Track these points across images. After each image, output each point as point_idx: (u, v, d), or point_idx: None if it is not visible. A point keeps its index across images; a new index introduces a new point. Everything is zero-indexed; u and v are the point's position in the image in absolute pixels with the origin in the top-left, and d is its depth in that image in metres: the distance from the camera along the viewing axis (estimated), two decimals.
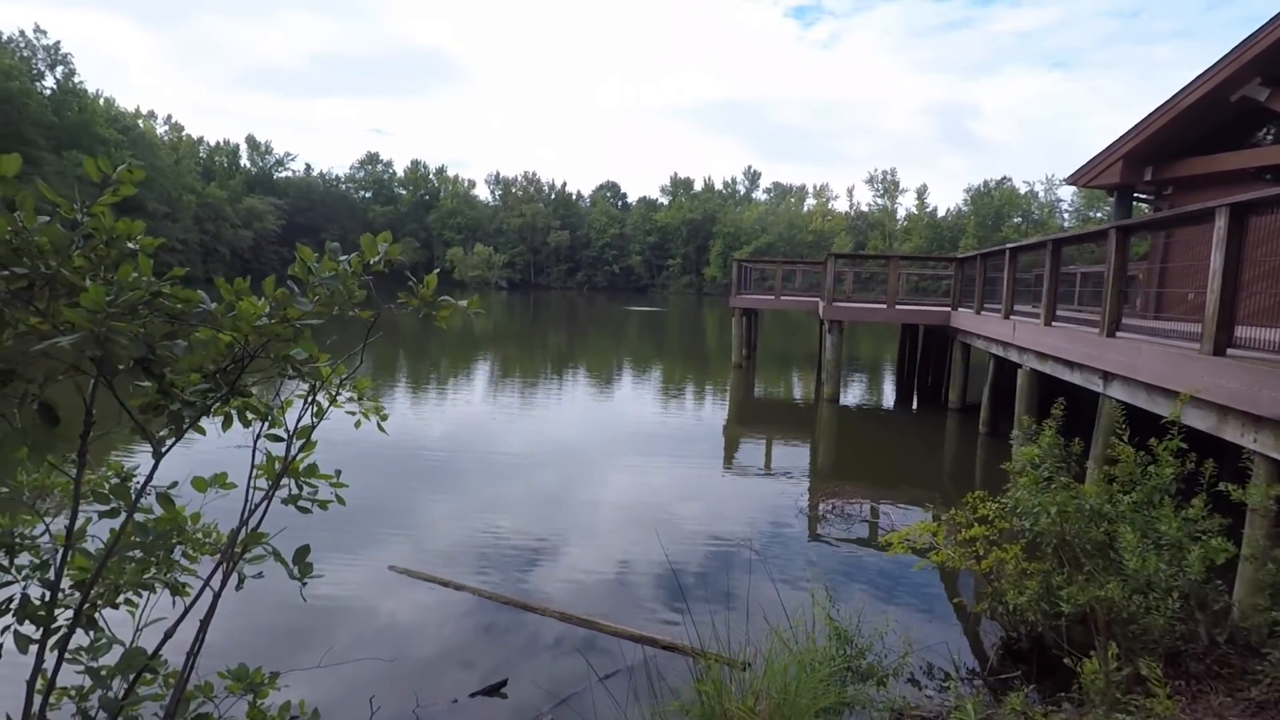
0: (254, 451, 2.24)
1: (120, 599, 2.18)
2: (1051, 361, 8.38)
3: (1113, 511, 3.72)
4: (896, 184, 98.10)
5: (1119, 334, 6.57)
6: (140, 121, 73.52)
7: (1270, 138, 11.77)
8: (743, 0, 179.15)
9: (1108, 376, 6.60)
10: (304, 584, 2.10)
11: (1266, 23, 9.68)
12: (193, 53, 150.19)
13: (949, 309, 14.93)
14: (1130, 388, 6.09)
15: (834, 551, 6.70)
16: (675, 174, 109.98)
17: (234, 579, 2.19)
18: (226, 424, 2.12)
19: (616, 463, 10.12)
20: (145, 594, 2.23)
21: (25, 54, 55.02)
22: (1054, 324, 8.48)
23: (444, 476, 9.12)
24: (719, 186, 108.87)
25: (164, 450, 1.91)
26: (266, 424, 2.23)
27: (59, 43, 57.84)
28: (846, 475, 10.13)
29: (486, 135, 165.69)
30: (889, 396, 17.84)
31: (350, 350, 2.41)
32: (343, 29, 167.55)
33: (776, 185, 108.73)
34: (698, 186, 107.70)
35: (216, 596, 2.10)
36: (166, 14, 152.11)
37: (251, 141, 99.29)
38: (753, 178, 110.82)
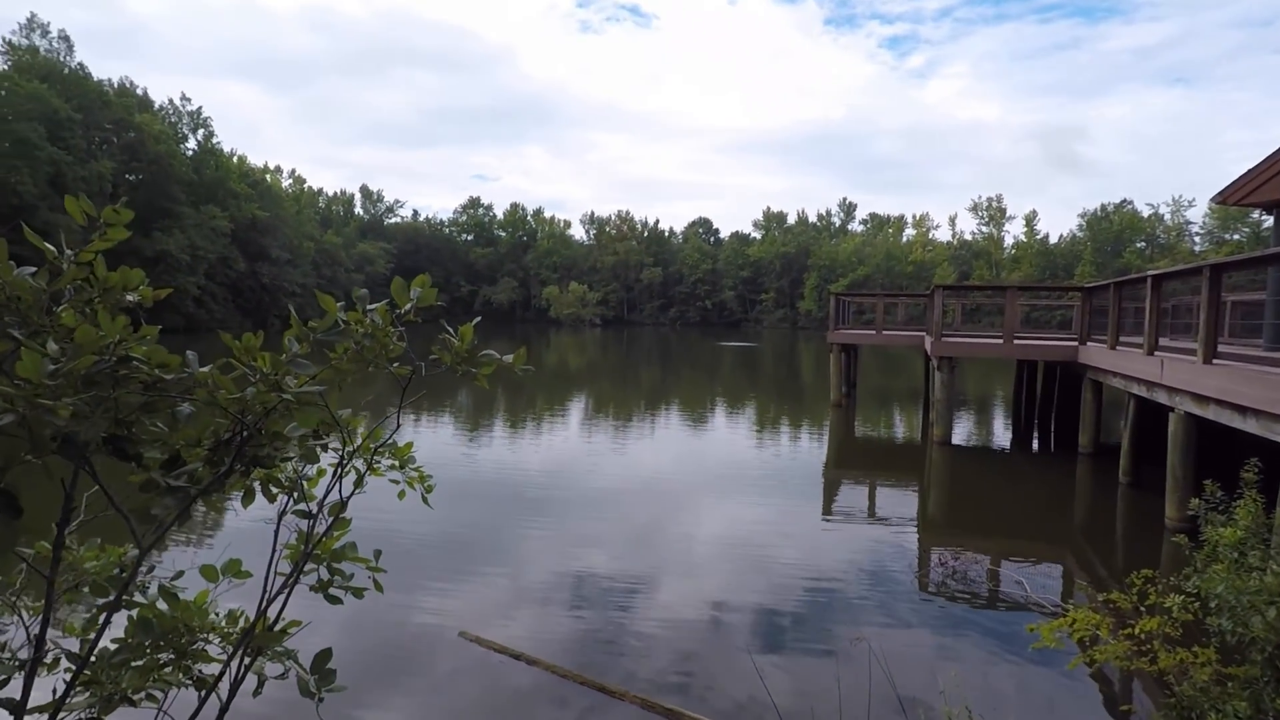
0: (276, 530, 1.91)
1: (139, 695, 1.88)
2: (1214, 405, 7.24)
3: None
4: (1003, 211, 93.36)
5: None
6: (268, 176, 79.92)
7: None
8: (837, 34, 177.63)
9: None
10: (320, 700, 1.72)
11: None
12: (314, 111, 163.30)
13: (1075, 343, 13.58)
14: None
15: (955, 622, 5.88)
16: (768, 208, 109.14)
17: (252, 682, 1.86)
18: (247, 499, 1.80)
19: (709, 502, 9.58)
20: (167, 690, 1.93)
21: (173, 119, 61.02)
22: (1215, 362, 7.35)
23: (537, 511, 9.03)
24: (813, 219, 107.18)
25: (155, 536, 1.59)
26: (292, 499, 1.90)
27: (200, 108, 63.91)
28: (962, 525, 9.19)
29: (582, 176, 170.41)
30: (1005, 438, 16.39)
31: (390, 409, 2.08)
32: (447, 83, 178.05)
33: (873, 216, 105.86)
34: (791, 220, 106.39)
35: (223, 709, 1.76)
36: (292, 78, 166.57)
37: (365, 191, 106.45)
38: (848, 209, 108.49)
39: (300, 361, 1.44)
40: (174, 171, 53.43)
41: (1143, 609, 3.59)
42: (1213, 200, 12.35)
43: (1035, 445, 15.26)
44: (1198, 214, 79.65)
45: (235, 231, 58.43)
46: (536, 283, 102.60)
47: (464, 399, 19.32)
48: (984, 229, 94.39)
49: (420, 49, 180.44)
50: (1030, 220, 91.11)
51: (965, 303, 25.64)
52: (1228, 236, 72.79)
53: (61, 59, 52.84)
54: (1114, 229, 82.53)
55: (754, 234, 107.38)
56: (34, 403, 1.13)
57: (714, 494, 10.20)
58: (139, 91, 56.56)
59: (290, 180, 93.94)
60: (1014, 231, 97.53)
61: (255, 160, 79.33)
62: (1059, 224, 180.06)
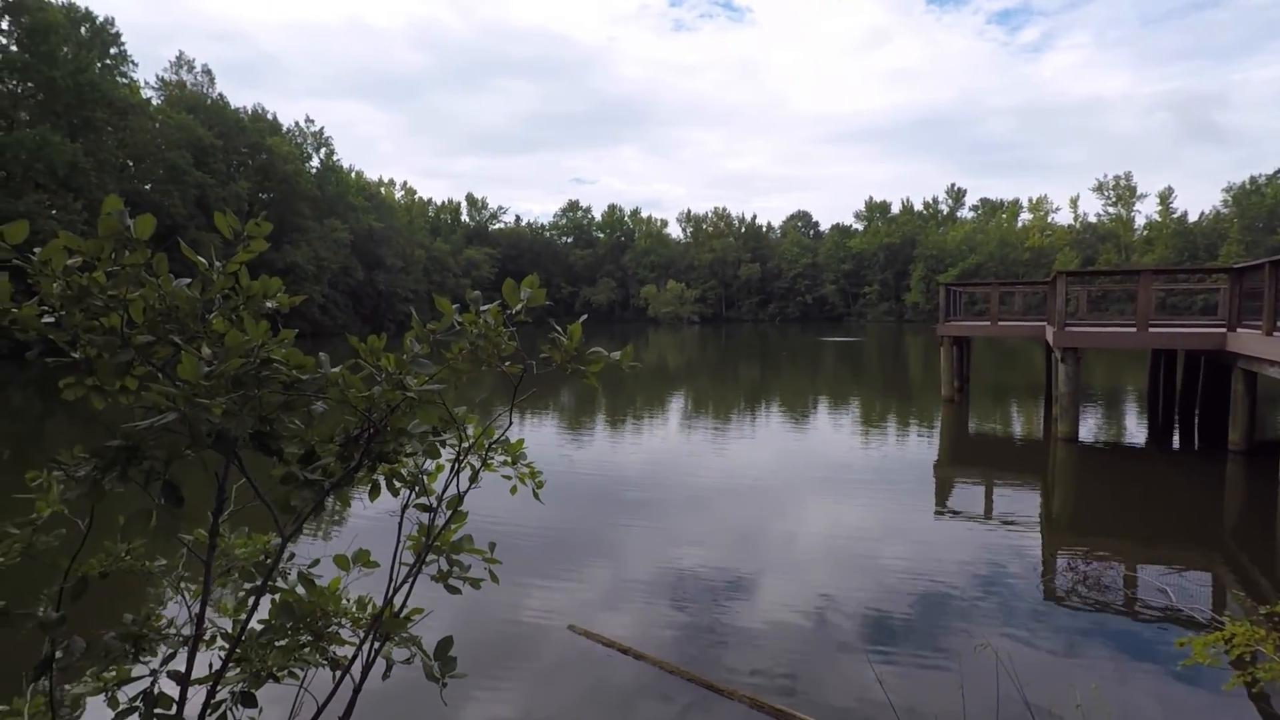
0: (400, 522, 2.02)
1: (282, 673, 2.04)
2: None
3: None
4: (1133, 189, 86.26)
5: None
6: (382, 189, 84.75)
7: None
8: (940, 13, 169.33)
9: None
10: (444, 685, 1.81)
11: None
12: (422, 125, 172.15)
13: (1223, 329, 12.35)
14: None
15: (1085, 631, 5.47)
16: (870, 198, 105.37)
17: (381, 665, 1.98)
18: (374, 493, 1.92)
19: (814, 499, 9.39)
20: (306, 669, 2.08)
21: (299, 140, 65.79)
22: None
23: (641, 508, 9.13)
24: (919, 207, 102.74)
25: (294, 526, 1.71)
26: (414, 493, 2.01)
27: (322, 128, 68.81)
28: (1092, 527, 8.56)
29: (677, 174, 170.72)
30: (1139, 434, 15.11)
31: (504, 407, 2.14)
32: (542, 90, 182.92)
33: (984, 201, 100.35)
34: (895, 209, 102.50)
35: (356, 690, 1.88)
36: (400, 94, 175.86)
37: (470, 199, 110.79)
38: (956, 195, 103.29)
39: (421, 361, 1.51)
40: (300, 188, 57.60)
41: None
42: None
43: (1176, 442, 13.99)
44: None
45: (354, 242, 62.31)
46: (634, 282, 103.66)
47: (566, 398, 19.77)
48: (1110, 210, 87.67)
49: (516, 58, 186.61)
50: (1165, 198, 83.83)
51: (1090, 290, 23.82)
52: None
53: (204, 91, 58.03)
54: (1267, 203, 74.48)
55: (856, 225, 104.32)
56: (192, 401, 1.25)
57: (818, 492, 9.97)
58: (270, 116, 61.29)
59: (402, 192, 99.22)
60: (1145, 211, 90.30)
61: (370, 174, 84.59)
62: (1198, 201, 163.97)
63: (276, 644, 1.86)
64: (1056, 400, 13.33)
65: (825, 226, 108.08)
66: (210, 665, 1.80)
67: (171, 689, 1.63)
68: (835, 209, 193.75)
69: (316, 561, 1.95)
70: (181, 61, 58.86)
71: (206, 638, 1.81)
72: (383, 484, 1.91)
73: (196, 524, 1.89)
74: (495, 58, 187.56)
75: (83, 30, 41.92)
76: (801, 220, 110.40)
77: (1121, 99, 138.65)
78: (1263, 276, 10.64)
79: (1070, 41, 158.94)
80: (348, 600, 2.06)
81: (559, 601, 5.99)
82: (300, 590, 1.88)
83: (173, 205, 45.47)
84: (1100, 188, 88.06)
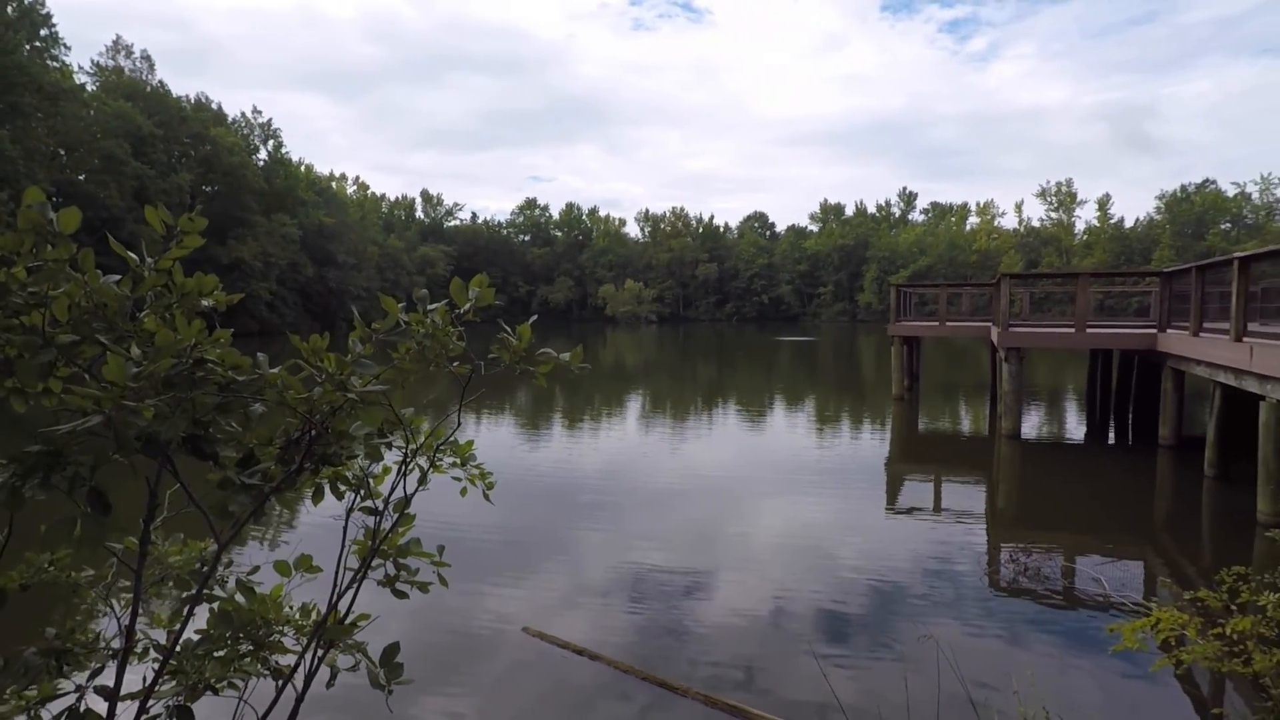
0: (345, 526, 1.98)
1: (221, 684, 1.97)
2: None
3: None
4: (1073, 195, 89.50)
5: None
6: (333, 183, 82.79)
7: None
8: (894, 21, 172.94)
9: None
10: (389, 692, 1.77)
11: None
12: (376, 119, 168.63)
13: (1154, 330, 12.91)
14: None
15: (1027, 621, 5.66)
16: (825, 200, 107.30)
17: (326, 673, 1.93)
18: (317, 497, 1.87)
19: (769, 497, 9.49)
20: (247, 679, 2.01)
21: (245, 132, 63.71)
22: None
23: (598, 508, 9.11)
24: (872, 210, 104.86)
25: (232, 532, 1.66)
26: (359, 496, 1.97)
27: (270, 120, 66.59)
28: (1034, 521, 8.88)
29: (635, 174, 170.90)
30: (1078, 430, 15.70)
31: (451, 409, 2.11)
32: (501, 86, 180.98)
33: (935, 205, 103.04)
34: (849, 211, 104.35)
35: (299, 700, 1.83)
36: (354, 87, 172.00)
37: (425, 195, 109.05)
38: (908, 199, 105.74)
39: (364, 362, 1.48)
40: (247, 182, 55.79)
41: (1234, 608, 3.39)
42: None
43: (1111, 438, 14.57)
44: None
45: (303, 238, 60.67)
46: (592, 281, 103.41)
47: (522, 398, 19.62)
48: (1053, 215, 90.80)
49: (474, 53, 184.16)
50: (1103, 204, 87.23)
51: (1033, 291, 24.69)
52: None
53: (144, 78, 55.80)
54: (1195, 210, 78.17)
55: (811, 227, 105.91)
56: (119, 404, 1.20)
57: (773, 490, 10.09)
58: (214, 106, 59.24)
59: (354, 187, 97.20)
60: (1085, 217, 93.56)
61: (321, 169, 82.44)
62: (1133, 207, 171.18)
63: (214, 655, 1.80)
64: (1001, 398, 13.76)
65: (781, 228, 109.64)
66: (144, 679, 1.74)
67: (100, 705, 1.56)
68: (791, 210, 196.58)
69: (257, 568, 1.89)
70: (119, 46, 56.50)
71: (138, 650, 1.74)
72: (326, 487, 1.87)
73: (129, 533, 1.82)
74: (452, 52, 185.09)
75: (9, 9, 39.81)
76: (758, 221, 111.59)
77: (1062, 109, 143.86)
78: (1189, 280, 11.15)
79: (1016, 52, 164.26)
80: (290, 607, 2.00)
81: (514, 604, 5.94)
82: (240, 598, 1.82)
83: (109, 197, 43.59)
84: (1043, 193, 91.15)
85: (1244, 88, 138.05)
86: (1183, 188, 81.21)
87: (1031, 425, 15.50)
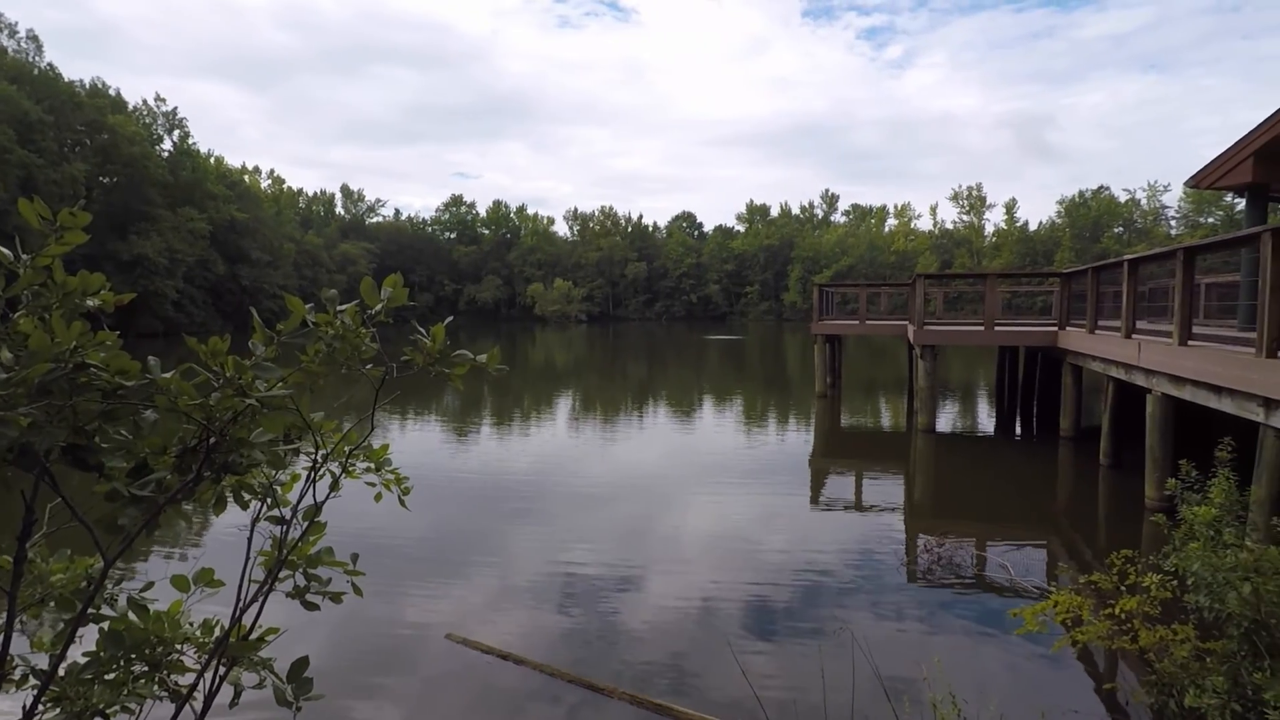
0: (250, 537, 1.88)
1: (112, 709, 1.84)
2: (1190, 386, 7.34)
3: None
4: (983, 199, 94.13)
5: None
6: (246, 177, 78.96)
7: None
8: (815, 26, 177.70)
9: (1271, 404, 5.64)
10: (297, 709, 1.70)
11: None
12: (292, 111, 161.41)
13: (1055, 328, 13.72)
14: None
15: (941, 607, 5.92)
16: (751, 201, 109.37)
17: (229, 692, 1.83)
18: (218, 507, 1.77)
19: (698, 494, 9.61)
20: (142, 703, 1.89)
21: (147, 120, 60.07)
22: (1190, 343, 7.45)
23: (526, 510, 9.01)
24: (796, 211, 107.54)
25: (122, 546, 1.56)
26: (265, 505, 1.88)
27: (175, 109, 62.99)
28: (948, 511, 9.29)
29: (564, 172, 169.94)
30: (988, 424, 16.55)
31: (365, 413, 2.04)
32: (424, 80, 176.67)
33: (856, 207, 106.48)
34: (774, 212, 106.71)
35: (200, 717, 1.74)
36: (267, 77, 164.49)
37: (345, 190, 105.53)
38: (830, 201, 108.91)
39: (265, 365, 1.41)
40: (149, 173, 52.64)
41: (1123, 589, 3.63)
42: (1186, 184, 12.48)
43: (1018, 430, 15.41)
44: (1173, 198, 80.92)
45: (214, 234, 57.74)
46: (521, 280, 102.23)
47: (450, 400, 19.23)
48: (965, 218, 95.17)
49: (397, 45, 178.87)
50: (1010, 208, 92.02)
51: (947, 291, 25.86)
52: (1203, 220, 73.78)
53: (31, 59, 51.84)
54: (1092, 215, 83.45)
55: (738, 227, 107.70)
56: None
57: (702, 487, 10.21)
58: (112, 92, 55.59)
59: (269, 181, 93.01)
60: (994, 219, 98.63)
61: (233, 161, 78.54)
62: (1038, 211, 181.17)
63: (104, 678, 1.68)
64: (917, 394, 14.34)
65: (709, 227, 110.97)
66: (23, 707, 1.61)
67: None
68: (718, 211, 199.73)
69: (150, 584, 1.78)
70: (0, 24, 52.33)
71: (15, 677, 1.61)
72: (229, 496, 1.78)
73: (5, 551, 1.68)
74: (373, 43, 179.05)
75: None
76: (686, 221, 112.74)
77: (971, 116, 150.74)
78: (1086, 281, 11.91)
79: (929, 61, 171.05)
80: (190, 624, 1.89)
81: (439, 611, 5.81)
82: (132, 617, 1.71)
83: None
84: (956, 197, 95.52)
85: (1133, 101, 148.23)
86: (1080, 193, 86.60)
87: (946, 419, 16.23)
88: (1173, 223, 79.56)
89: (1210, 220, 72.54)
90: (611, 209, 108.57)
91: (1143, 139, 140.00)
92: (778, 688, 4.47)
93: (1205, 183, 11.82)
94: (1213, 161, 11.54)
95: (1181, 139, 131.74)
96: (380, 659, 5.01)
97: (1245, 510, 3.67)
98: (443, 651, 5.06)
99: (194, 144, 62.97)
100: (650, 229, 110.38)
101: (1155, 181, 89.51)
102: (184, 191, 56.96)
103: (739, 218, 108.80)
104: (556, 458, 12.25)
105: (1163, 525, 3.64)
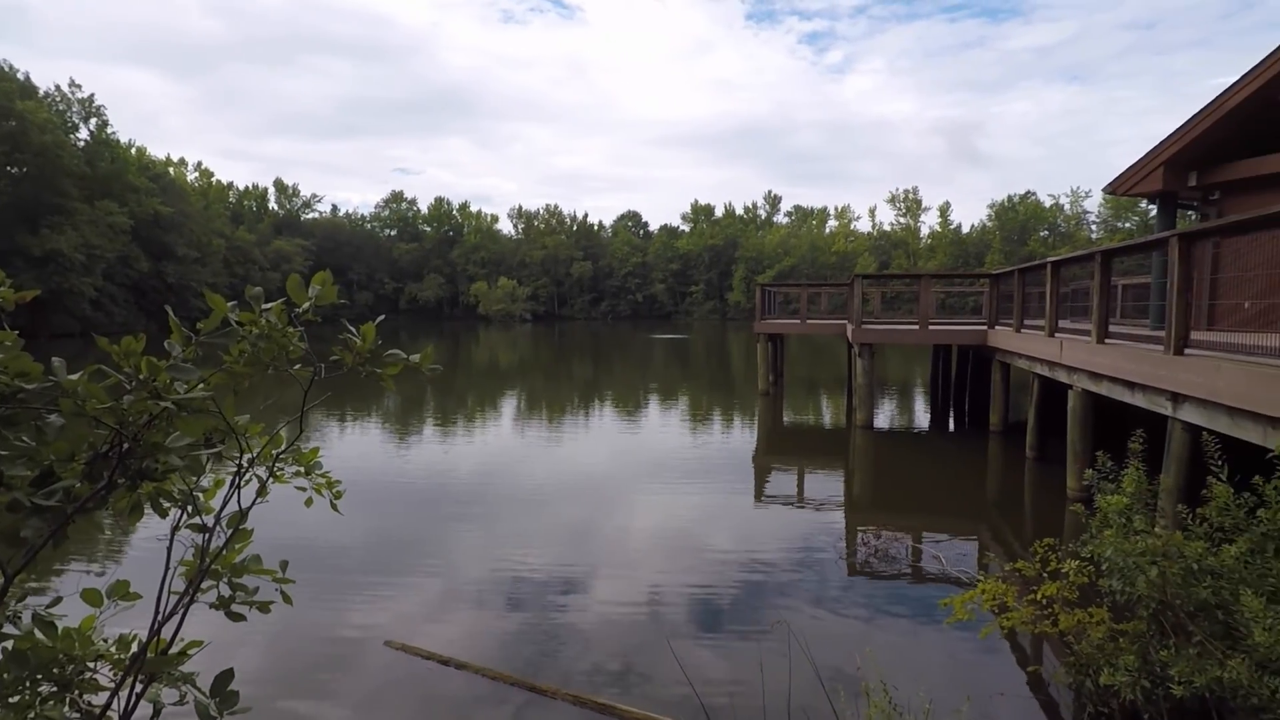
0: (170, 547, 1.80)
1: None
2: (1107, 382, 7.74)
3: (1217, 565, 3.14)
4: (919, 202, 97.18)
5: (1188, 351, 5.96)
6: (171, 169, 75.56)
7: None
8: (758, 29, 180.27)
9: (1178, 398, 5.99)
10: None
11: None
12: (220, 101, 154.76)
13: (985, 327, 14.27)
14: (1208, 411, 5.48)
15: (880, 599, 6.09)
16: (696, 201, 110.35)
17: (148, 709, 1.75)
18: (134, 515, 1.69)
19: (644, 493, 9.64)
20: None
21: (60, 108, 56.74)
22: (1107, 341, 7.85)
23: (469, 512, 8.90)
24: (740, 212, 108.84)
25: (24, 560, 1.47)
26: (186, 513, 1.80)
27: (92, 96, 59.58)
28: (885, 505, 9.56)
29: (507, 169, 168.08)
30: (923, 419, 17.11)
31: (295, 415, 1.98)
32: (362, 72, 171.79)
33: (798, 208, 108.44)
34: (719, 213, 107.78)
35: None
36: (193, 64, 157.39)
37: (279, 185, 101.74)
38: (773, 202, 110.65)
39: (182, 366, 1.35)
40: (63, 164, 49.77)
41: (1045, 575, 3.80)
42: (1104, 190, 13.14)
43: (951, 425, 15.97)
44: (1094, 204, 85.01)
45: (136, 229, 55.09)
46: (464, 279, 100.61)
47: (392, 402, 18.80)
48: (902, 220, 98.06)
49: (333, 36, 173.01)
50: (944, 211, 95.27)
51: (885, 291, 26.57)
52: (1120, 225, 77.86)
53: None
54: (1020, 219, 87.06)
55: (683, 227, 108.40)
56: None
57: (647, 486, 10.25)
58: (20, 76, 52.29)
59: (196, 174, 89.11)
60: (929, 222, 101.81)
61: (157, 152, 74.92)
62: (971, 214, 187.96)
63: (8, 701, 1.59)
64: (855, 391, 14.71)
65: (654, 227, 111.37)
66: None
67: None
68: (664, 210, 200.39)
69: (59, 600, 1.69)
70: None
71: None
72: (147, 505, 1.70)
73: None
74: (307, 32, 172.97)
75: None
76: (632, 220, 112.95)
77: (905, 122, 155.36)
78: (1013, 281, 12.42)
79: (868, 66, 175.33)
80: (104, 641, 1.80)
81: (379, 617, 5.68)
82: (39, 634, 1.61)
83: None
84: (893, 200, 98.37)
85: (1057, 110, 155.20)
86: (1009, 198, 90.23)
87: (884, 416, 16.70)
88: (1093, 227, 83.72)
89: (1127, 225, 76.64)
90: (557, 207, 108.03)
91: (1065, 147, 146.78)
92: (720, 684, 4.52)
93: (1121, 189, 12.47)
94: (1127, 170, 12.19)
95: (1101, 148, 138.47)
96: (317, 669, 4.87)
97: (1155, 498, 3.89)
98: (382, 659, 4.95)
99: (113, 134, 59.79)
100: (596, 228, 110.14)
101: (1077, 188, 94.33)
102: (102, 184, 54.09)
103: (684, 217, 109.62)
104: (500, 459, 12.11)
105: (1081, 514, 3.82)
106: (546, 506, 9.09)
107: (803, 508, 9.22)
